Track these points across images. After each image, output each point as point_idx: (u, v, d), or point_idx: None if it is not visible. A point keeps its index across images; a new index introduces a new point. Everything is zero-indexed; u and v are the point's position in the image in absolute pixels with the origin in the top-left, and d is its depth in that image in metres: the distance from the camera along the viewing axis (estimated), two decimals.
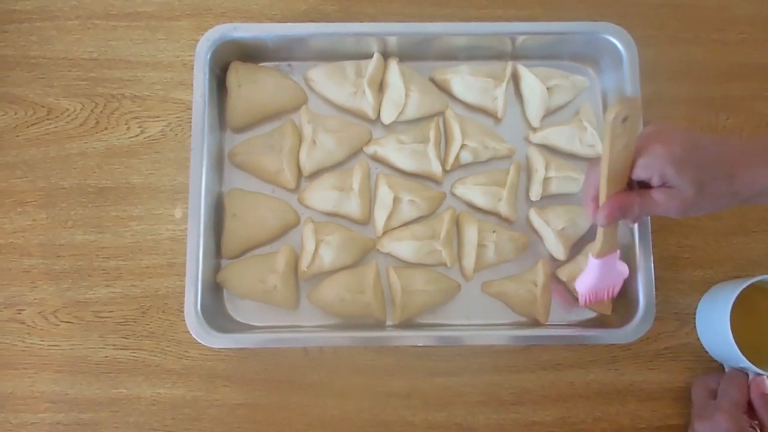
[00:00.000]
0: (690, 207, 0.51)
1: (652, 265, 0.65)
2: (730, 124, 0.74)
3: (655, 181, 0.51)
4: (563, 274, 0.69)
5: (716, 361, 0.68)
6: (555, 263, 0.70)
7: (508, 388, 0.68)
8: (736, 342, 0.61)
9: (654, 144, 0.50)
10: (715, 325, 0.65)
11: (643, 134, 0.51)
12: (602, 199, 0.53)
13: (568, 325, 0.68)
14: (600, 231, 0.58)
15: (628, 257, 0.67)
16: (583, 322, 0.69)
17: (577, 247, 0.70)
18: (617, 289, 0.65)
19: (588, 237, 0.69)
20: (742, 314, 0.63)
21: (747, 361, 0.61)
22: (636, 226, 0.65)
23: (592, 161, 0.53)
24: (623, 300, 0.68)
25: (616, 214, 0.53)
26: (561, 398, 0.68)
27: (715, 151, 0.50)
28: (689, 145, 0.49)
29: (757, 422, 0.60)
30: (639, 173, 0.51)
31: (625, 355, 0.69)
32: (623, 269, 0.64)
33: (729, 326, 0.62)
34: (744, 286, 0.62)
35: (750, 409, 0.61)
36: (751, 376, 0.63)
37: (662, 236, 0.69)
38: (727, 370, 0.66)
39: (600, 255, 0.60)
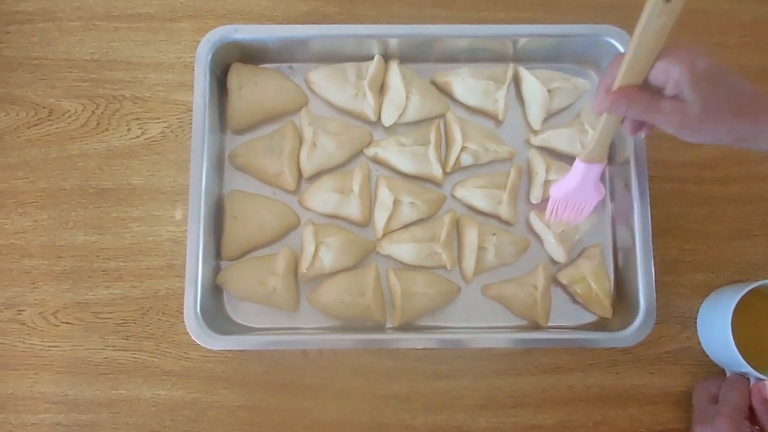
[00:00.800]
0: (689, 126, 0.50)
1: (653, 268, 0.64)
2: None
3: (668, 88, 0.50)
4: (563, 277, 0.69)
5: (717, 365, 0.68)
6: (555, 266, 0.70)
7: (508, 392, 0.68)
8: (737, 347, 0.61)
9: (680, 53, 0.49)
10: (716, 329, 0.65)
11: (672, 43, 0.50)
12: (615, 86, 0.52)
13: (569, 329, 0.68)
14: (595, 134, 0.58)
15: (628, 261, 0.67)
16: (584, 326, 0.69)
17: (576, 251, 0.69)
18: (588, 209, 0.65)
19: (587, 240, 0.70)
20: (743, 319, 0.63)
21: (748, 366, 0.61)
22: (636, 229, 0.65)
23: (618, 55, 0.53)
24: (624, 303, 0.67)
25: (621, 102, 0.52)
26: (561, 402, 0.68)
27: (732, 83, 0.50)
28: (713, 67, 0.49)
29: (758, 427, 0.60)
30: (656, 75, 0.51)
31: (625, 358, 0.69)
32: (600, 190, 0.64)
33: (730, 331, 0.62)
34: (745, 291, 0.62)
35: (751, 414, 0.61)
36: (752, 381, 0.63)
37: (663, 240, 0.69)
38: (728, 374, 0.66)
39: (587, 159, 0.61)
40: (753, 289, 0.63)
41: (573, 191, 0.64)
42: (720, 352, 0.66)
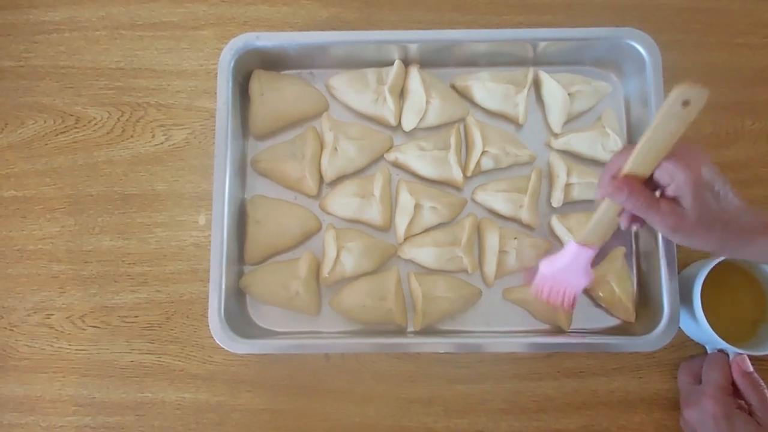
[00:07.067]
0: (682, 230, 0.52)
1: (677, 272, 0.64)
2: (755, 129, 0.73)
3: (670, 189, 0.52)
4: None
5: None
6: None
7: (531, 396, 0.68)
8: (712, 323, 0.60)
9: (688, 158, 0.50)
10: (688, 307, 0.64)
11: (685, 144, 0.51)
12: (621, 174, 0.53)
13: (591, 333, 0.68)
14: (593, 218, 0.58)
15: (651, 264, 0.66)
16: (606, 330, 0.68)
17: (599, 255, 0.69)
18: (572, 295, 0.63)
19: (608, 246, 0.69)
20: (716, 294, 0.62)
21: (724, 342, 0.61)
22: (660, 233, 0.64)
23: (627, 145, 0.53)
24: (647, 307, 0.67)
25: (623, 190, 0.52)
26: (584, 406, 0.67)
27: (727, 195, 0.51)
28: (714, 176, 0.51)
29: (744, 401, 0.60)
30: (661, 175, 0.52)
31: (649, 362, 0.68)
32: (589, 275, 0.62)
33: (701, 307, 0.61)
34: (712, 265, 0.61)
35: (735, 390, 0.60)
36: (731, 356, 0.62)
37: None
38: (709, 352, 0.65)
39: (581, 241, 0.60)
40: (722, 263, 0.61)
41: (561, 271, 0.62)
42: (696, 330, 0.64)
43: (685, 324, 0.66)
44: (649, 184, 0.53)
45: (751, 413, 0.58)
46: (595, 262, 0.68)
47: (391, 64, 0.71)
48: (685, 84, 0.47)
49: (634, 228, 0.58)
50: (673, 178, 0.51)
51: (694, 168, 0.50)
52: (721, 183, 0.51)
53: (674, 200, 0.52)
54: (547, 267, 0.63)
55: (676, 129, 0.49)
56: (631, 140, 0.71)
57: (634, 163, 0.52)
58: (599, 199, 0.57)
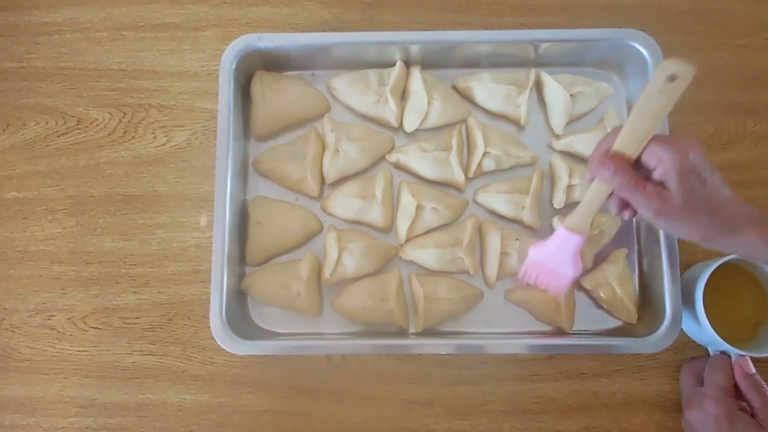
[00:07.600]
0: (666, 215, 0.51)
1: (679, 273, 0.64)
2: (757, 131, 0.73)
3: (656, 173, 0.51)
4: (587, 282, 0.68)
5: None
6: None
7: (532, 397, 0.68)
8: (714, 325, 0.60)
9: (676, 142, 0.50)
10: (690, 309, 0.64)
11: (677, 132, 0.51)
12: (609, 153, 0.53)
13: (593, 334, 0.68)
14: (581, 203, 0.58)
15: (653, 266, 0.66)
16: (608, 331, 0.68)
17: (601, 256, 0.69)
18: (562, 284, 0.63)
19: (611, 245, 0.69)
20: (717, 296, 0.62)
21: (726, 344, 0.60)
22: (662, 233, 0.64)
23: (617, 127, 0.53)
24: (649, 308, 0.67)
25: (608, 167, 0.52)
26: (585, 408, 0.67)
27: (715, 183, 0.50)
28: (702, 162, 0.50)
29: (746, 403, 0.60)
30: (648, 157, 0.51)
31: (651, 364, 0.68)
32: (578, 266, 0.62)
33: (703, 310, 0.61)
34: (714, 266, 0.61)
35: (737, 391, 0.60)
36: (734, 358, 0.62)
37: (689, 244, 0.68)
38: (711, 353, 0.65)
39: (569, 226, 0.60)
40: (724, 265, 0.61)
41: (549, 256, 0.62)
42: (698, 331, 0.64)
43: (687, 326, 0.66)
44: (640, 170, 0.52)
45: (753, 415, 0.59)
46: (597, 262, 0.69)
47: (393, 65, 0.71)
48: (672, 59, 0.46)
49: (626, 216, 0.57)
50: (660, 161, 0.50)
51: (681, 151, 0.49)
52: (709, 171, 0.50)
53: (661, 184, 0.51)
54: (535, 252, 0.63)
55: (663, 106, 0.48)
56: None
57: (621, 142, 0.51)
58: (588, 182, 0.56)
